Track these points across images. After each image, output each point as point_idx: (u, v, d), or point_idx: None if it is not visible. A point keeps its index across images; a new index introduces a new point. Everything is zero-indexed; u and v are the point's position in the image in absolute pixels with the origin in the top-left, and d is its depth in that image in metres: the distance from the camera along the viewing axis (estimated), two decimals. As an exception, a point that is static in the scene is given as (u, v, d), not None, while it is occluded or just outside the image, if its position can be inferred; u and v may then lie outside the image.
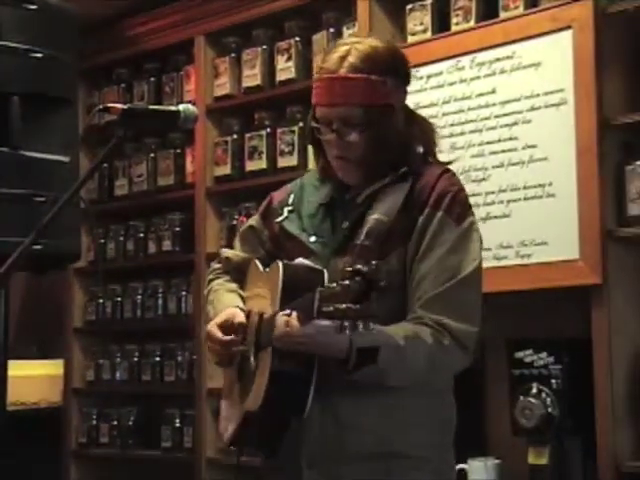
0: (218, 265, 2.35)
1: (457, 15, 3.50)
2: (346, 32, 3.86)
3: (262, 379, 1.97)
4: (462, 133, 3.36)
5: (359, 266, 1.70)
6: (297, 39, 4.07)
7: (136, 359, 4.65)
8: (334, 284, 1.72)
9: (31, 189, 2.92)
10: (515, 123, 3.24)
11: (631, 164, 3.09)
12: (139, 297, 4.70)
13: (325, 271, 1.99)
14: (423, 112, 3.44)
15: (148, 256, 4.68)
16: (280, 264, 2.02)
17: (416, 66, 3.45)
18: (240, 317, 2.10)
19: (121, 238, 4.80)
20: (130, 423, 4.67)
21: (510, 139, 3.25)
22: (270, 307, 2.04)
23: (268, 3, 4.13)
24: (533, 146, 3.19)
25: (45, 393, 5.03)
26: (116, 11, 4.63)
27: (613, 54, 3.14)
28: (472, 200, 3.30)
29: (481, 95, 3.33)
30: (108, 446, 4.73)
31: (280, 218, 2.22)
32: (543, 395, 3.07)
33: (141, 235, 4.72)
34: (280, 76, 4.08)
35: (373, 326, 1.72)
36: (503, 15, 3.38)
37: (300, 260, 2.07)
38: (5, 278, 1.96)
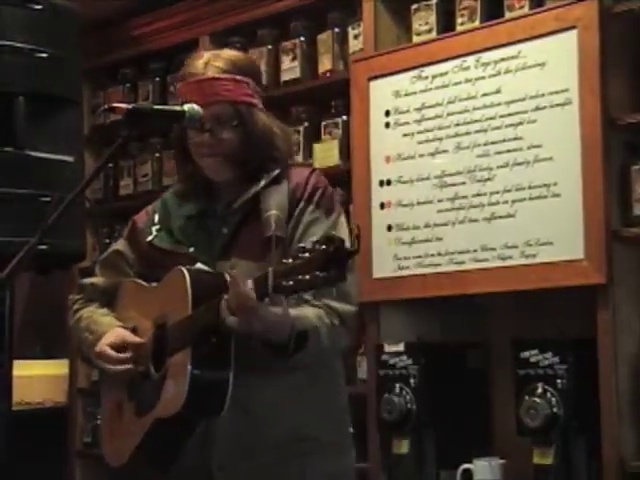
0: (79, 296, 2.37)
1: (462, 15, 3.50)
2: (351, 32, 3.86)
3: (179, 381, 2.00)
4: (467, 133, 3.35)
5: (328, 235, 1.82)
6: (302, 39, 4.07)
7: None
8: (290, 260, 1.80)
9: (36, 189, 2.92)
10: (520, 123, 3.24)
11: (636, 164, 3.08)
12: (144, 297, 4.70)
13: (225, 273, 2.04)
14: (428, 112, 3.48)
15: (153, 256, 4.67)
16: (184, 269, 2.07)
17: (421, 66, 3.47)
18: (133, 337, 2.17)
19: (126, 238, 4.80)
20: (135, 423, 4.66)
21: (515, 139, 3.24)
22: (165, 316, 2.10)
23: (273, 3, 4.13)
24: (538, 146, 3.19)
25: (50, 393, 5.02)
26: (121, 11, 4.63)
27: (618, 54, 3.13)
28: (477, 200, 3.35)
29: (486, 95, 3.32)
30: (113, 446, 4.72)
31: (150, 237, 2.28)
32: (548, 395, 3.06)
33: (146, 235, 4.71)
34: (285, 76, 4.08)
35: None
36: (508, 15, 3.37)
37: (198, 265, 2.12)
38: (10, 278, 1.96)
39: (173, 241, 2.24)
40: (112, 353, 2.16)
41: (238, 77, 2.17)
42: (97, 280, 2.36)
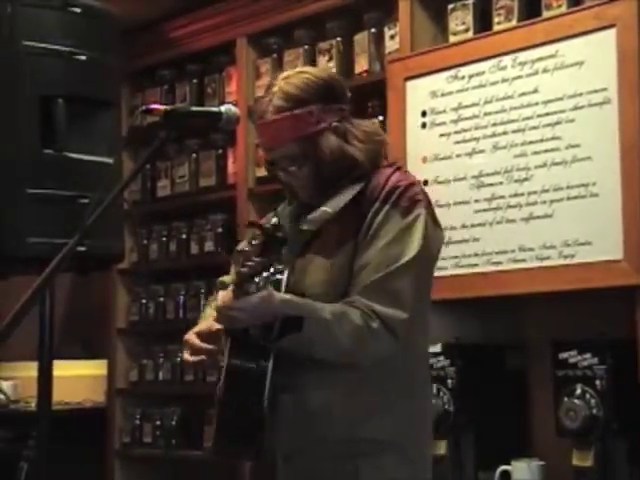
0: (214, 296, 2.40)
1: (499, 14, 3.49)
2: (387, 32, 3.86)
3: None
4: (504, 133, 3.34)
5: (261, 224, 2.01)
6: (338, 39, 4.07)
7: (179, 359, 4.67)
8: (249, 246, 1.97)
9: (75, 190, 2.94)
10: (558, 122, 3.22)
11: (676, 163, 3.06)
12: (181, 297, 4.73)
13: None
14: (465, 112, 3.47)
15: (190, 257, 4.71)
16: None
17: (458, 66, 3.46)
18: (216, 324, 2.18)
19: (164, 239, 4.83)
20: (173, 423, 4.69)
21: (553, 139, 3.23)
22: None
23: (309, 4, 4.14)
24: (576, 146, 3.17)
25: (89, 393, 5.07)
26: (158, 13, 4.66)
27: (658, 52, 3.10)
28: (514, 200, 3.34)
29: (523, 95, 3.31)
30: (151, 446, 4.75)
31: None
32: (587, 396, 3.04)
33: (183, 236, 4.75)
34: (321, 77, 4.08)
35: (280, 273, 2.03)
36: (546, 14, 3.36)
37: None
38: (50, 279, 1.98)
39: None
40: (195, 341, 2.20)
41: (297, 111, 2.16)
42: (227, 278, 2.38)
